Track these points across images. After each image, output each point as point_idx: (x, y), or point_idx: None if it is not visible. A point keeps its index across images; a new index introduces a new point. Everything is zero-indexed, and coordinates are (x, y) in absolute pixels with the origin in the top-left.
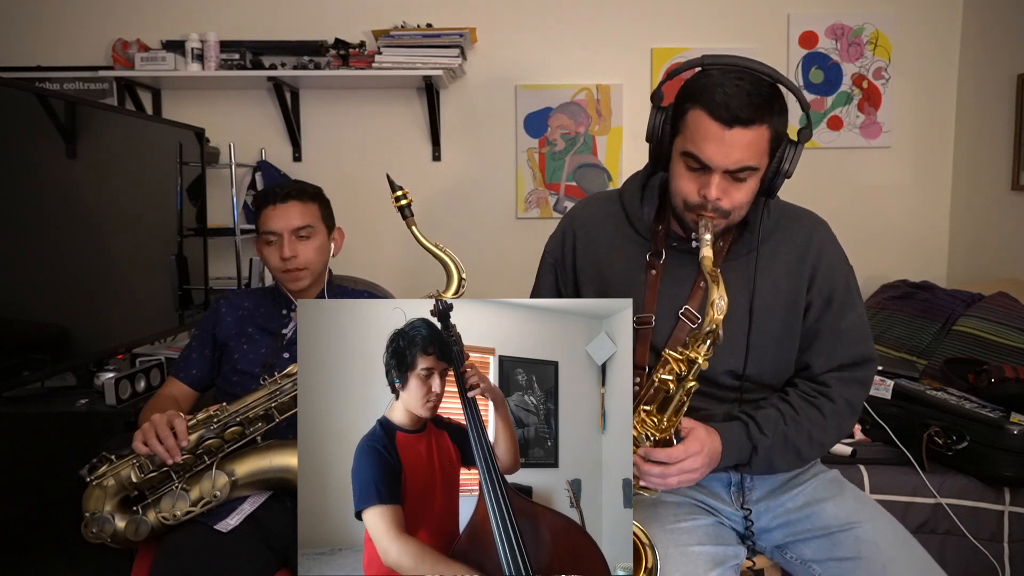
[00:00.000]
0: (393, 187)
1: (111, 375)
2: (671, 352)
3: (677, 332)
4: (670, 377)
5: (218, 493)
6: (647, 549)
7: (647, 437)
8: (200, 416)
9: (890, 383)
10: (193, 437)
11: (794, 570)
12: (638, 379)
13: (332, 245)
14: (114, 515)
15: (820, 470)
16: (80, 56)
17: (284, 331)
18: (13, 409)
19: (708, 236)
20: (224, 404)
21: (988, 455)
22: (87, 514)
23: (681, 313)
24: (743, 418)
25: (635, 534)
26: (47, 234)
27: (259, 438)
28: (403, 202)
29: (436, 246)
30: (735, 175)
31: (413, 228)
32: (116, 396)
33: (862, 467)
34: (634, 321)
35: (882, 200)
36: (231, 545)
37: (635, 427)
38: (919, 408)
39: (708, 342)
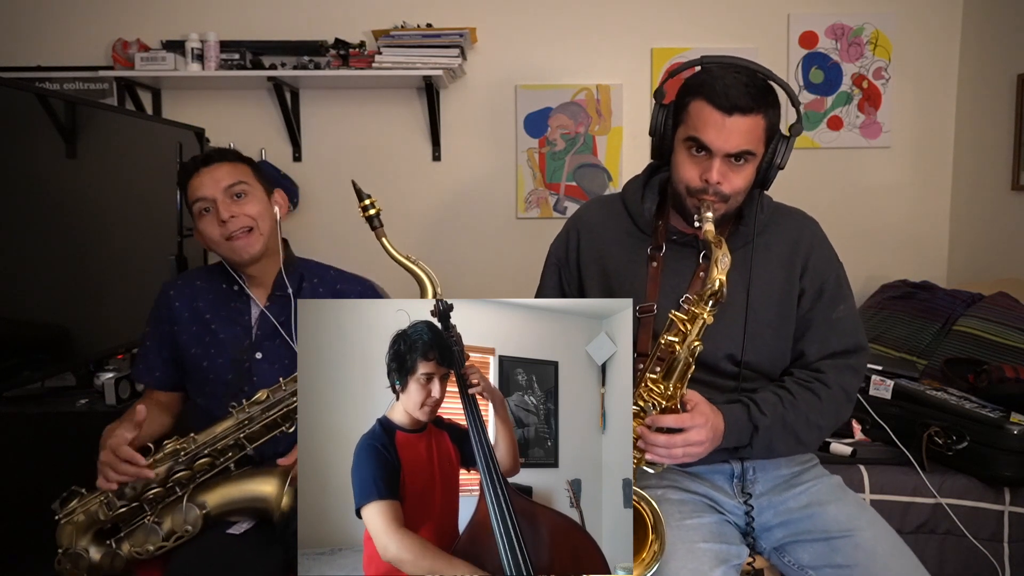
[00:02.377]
0: (360, 195)
1: (111, 375)
2: (676, 313)
3: None
4: (676, 339)
5: (190, 528)
6: (654, 531)
7: (653, 406)
8: (167, 449)
9: (890, 383)
10: (162, 469)
11: (791, 575)
12: (640, 365)
13: (276, 209)
14: (88, 549)
15: (822, 473)
16: (80, 56)
17: (250, 321)
18: (13, 409)
19: (709, 214)
20: (192, 435)
21: (988, 455)
22: (60, 550)
23: (682, 301)
24: (744, 400)
25: (644, 511)
26: (47, 234)
27: (232, 466)
28: (371, 212)
29: (408, 258)
30: (734, 160)
31: (383, 240)
32: (116, 396)
33: (862, 467)
34: (637, 311)
35: (882, 200)
36: (244, 548)
37: (641, 396)
38: (919, 408)
39: (711, 302)
